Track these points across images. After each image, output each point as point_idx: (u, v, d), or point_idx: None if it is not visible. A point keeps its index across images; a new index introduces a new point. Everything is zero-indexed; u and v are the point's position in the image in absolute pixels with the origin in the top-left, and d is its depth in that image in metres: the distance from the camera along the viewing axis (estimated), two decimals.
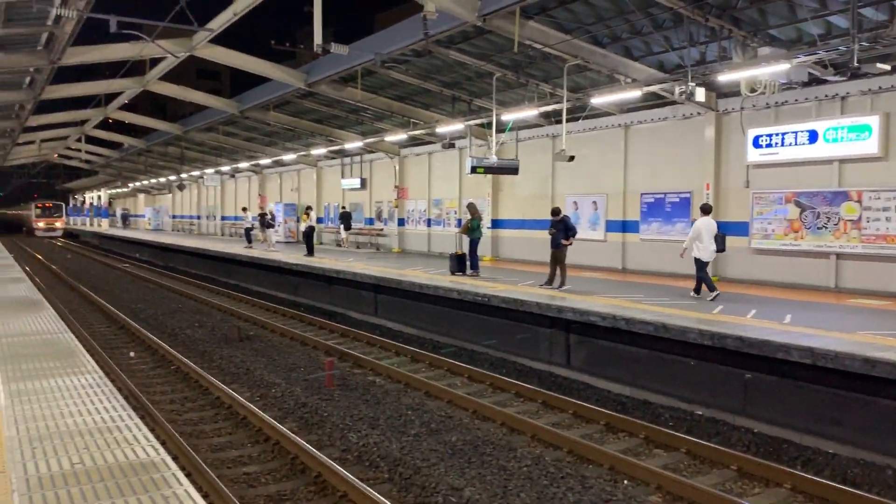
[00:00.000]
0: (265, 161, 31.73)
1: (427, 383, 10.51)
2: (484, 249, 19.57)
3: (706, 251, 12.12)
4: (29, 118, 26.87)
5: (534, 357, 12.52)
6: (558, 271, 14.02)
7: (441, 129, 19.62)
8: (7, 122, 28.00)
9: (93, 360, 7.76)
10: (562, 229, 13.85)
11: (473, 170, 17.16)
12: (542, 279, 14.90)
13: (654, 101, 16.70)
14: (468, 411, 9.46)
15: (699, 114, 15.84)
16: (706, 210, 12.35)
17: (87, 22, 13.41)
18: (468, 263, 16.53)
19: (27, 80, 20.75)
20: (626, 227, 17.97)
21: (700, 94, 13.35)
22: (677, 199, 16.71)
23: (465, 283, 14.79)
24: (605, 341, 11.25)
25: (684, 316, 10.59)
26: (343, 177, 29.70)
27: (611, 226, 18.35)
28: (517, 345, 12.86)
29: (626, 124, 17.83)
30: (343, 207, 29.59)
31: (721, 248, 12.14)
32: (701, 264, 12.26)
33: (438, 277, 16.17)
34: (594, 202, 18.78)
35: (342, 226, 27.34)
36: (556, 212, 14.11)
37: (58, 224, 63.20)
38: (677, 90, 13.06)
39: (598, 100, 15.57)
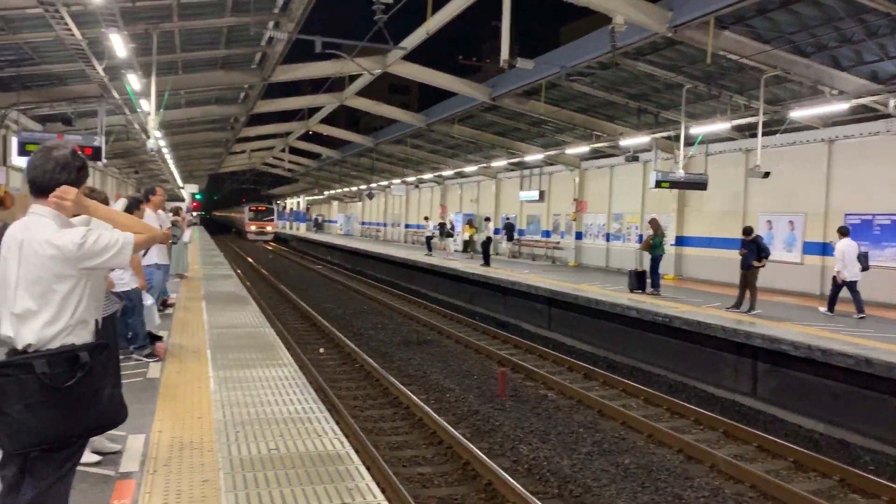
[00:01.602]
0: (447, 172, 32.70)
1: (601, 402, 10.27)
2: (666, 267, 18.84)
3: (852, 272, 12.54)
4: (242, 130, 29.69)
5: (716, 384, 11.83)
6: (747, 294, 13.17)
7: (625, 142, 19.18)
8: (223, 133, 31.13)
9: (288, 354, 8.39)
10: (753, 250, 13.00)
11: (658, 184, 16.60)
12: (728, 302, 14.06)
13: (863, 115, 15.22)
14: (643, 434, 9.13)
15: None
16: (845, 232, 12.84)
17: (294, 43, 14.62)
18: (648, 281, 15.99)
19: (241, 95, 22.97)
20: (826, 249, 16.50)
21: None
22: (888, 222, 15.10)
23: (644, 302, 14.31)
24: (797, 372, 10.39)
25: (890, 350, 9.53)
26: (522, 189, 29.87)
27: (809, 248, 16.94)
28: (698, 369, 12.22)
29: (831, 139, 16.39)
30: (507, 219, 29.83)
31: (865, 266, 12.59)
32: (851, 285, 12.64)
33: (616, 294, 15.78)
34: (790, 222, 17.43)
35: (505, 236, 27.56)
36: (748, 231, 13.28)
37: (269, 227, 62.95)
38: (893, 102, 11.82)
39: (799, 113, 14.47)
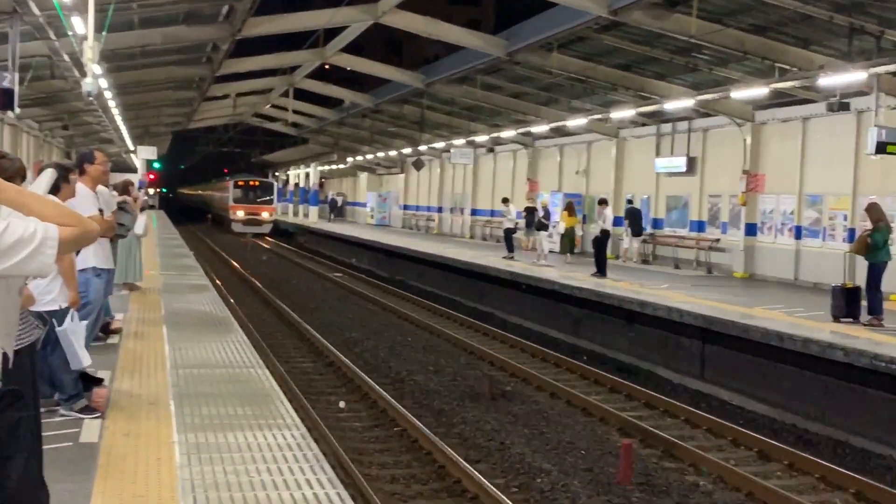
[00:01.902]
0: (539, 128, 32.57)
1: (789, 498, 10.03)
2: (891, 282, 18.32)
3: None
4: (224, 63, 30.21)
5: None
6: None
7: (826, 80, 18.73)
8: (196, 67, 31.77)
9: (292, 410, 8.47)
10: None
11: (882, 148, 16.16)
12: None
13: None
14: None
15: None
16: None
17: None
18: (864, 304, 15.58)
19: (224, 10, 23.32)
20: None
21: None
22: None
23: (858, 338, 13.96)
24: None
25: None
26: (658, 154, 29.53)
27: None
28: None
29: None
30: (629, 202, 29.43)
31: None
32: None
33: (812, 325, 15.44)
34: None
35: (628, 230, 27.34)
36: None
37: (265, 213, 62.38)
38: None
39: None
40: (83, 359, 7.67)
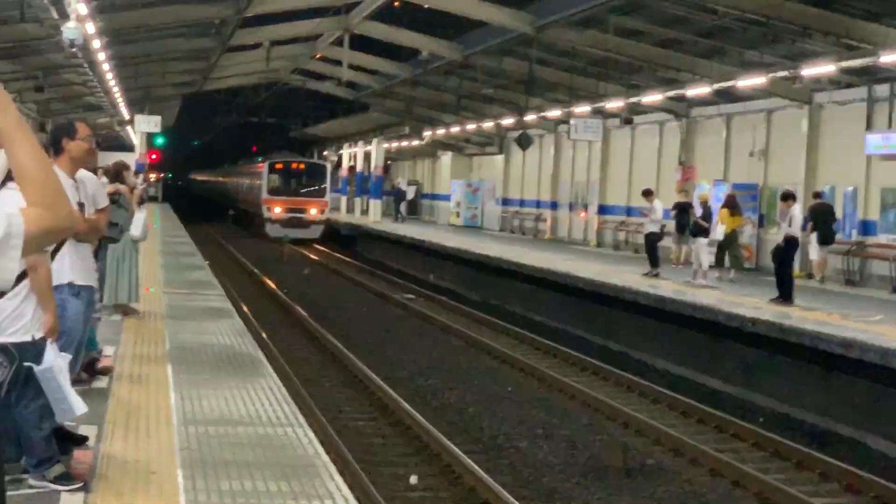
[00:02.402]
0: (697, 91, 32.37)
1: None
2: None
3: None
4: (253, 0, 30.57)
5: None
6: None
7: None
8: (216, 6, 32.13)
9: (344, 486, 8.50)
10: None
11: None
12: None
13: None
14: None
15: None
16: None
17: None
18: None
19: None
20: None
21: None
22: None
23: None
24: None
25: None
26: (870, 128, 29.13)
27: None
28: None
29: None
30: (817, 196, 28.63)
31: None
32: None
33: None
34: None
35: (813, 233, 26.89)
36: None
37: (314, 210, 59.60)
38: None
39: None
40: (75, 405, 7.63)
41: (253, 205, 63.62)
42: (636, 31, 31.54)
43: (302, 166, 61.88)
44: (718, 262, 29.10)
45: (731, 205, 28.22)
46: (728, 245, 28.84)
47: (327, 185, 61.89)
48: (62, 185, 2.78)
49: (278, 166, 60.27)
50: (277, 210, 58.12)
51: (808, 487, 14.41)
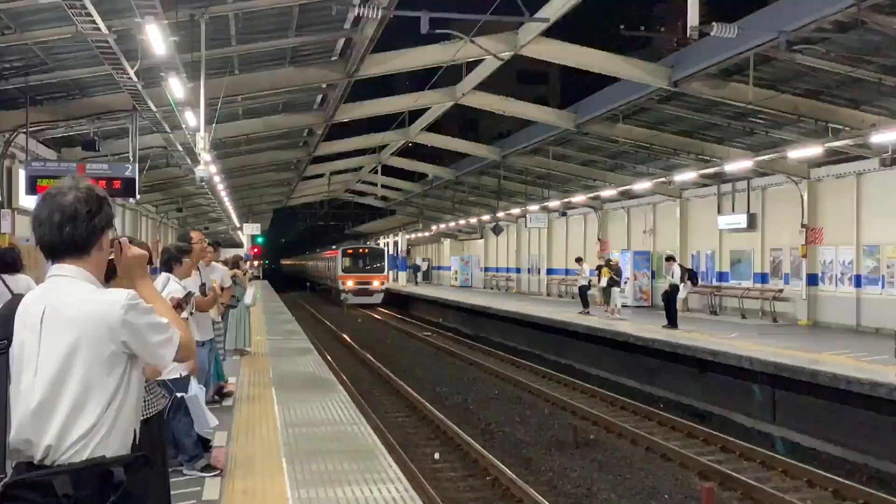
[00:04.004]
0: (608, 192, 32.43)
1: None
2: None
3: None
4: (319, 146, 30.72)
5: None
6: None
7: (878, 137, 18.35)
8: (294, 151, 32.35)
9: (394, 464, 8.38)
10: None
11: None
12: None
13: None
14: None
15: None
16: None
17: (389, 23, 14.99)
18: None
19: (318, 98, 23.83)
20: None
21: None
22: None
23: None
24: None
25: None
26: (720, 212, 29.16)
27: None
28: None
29: None
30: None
31: None
32: None
33: (878, 368, 14.95)
34: None
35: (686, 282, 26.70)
36: None
37: (377, 282, 53.97)
38: None
39: None
40: (210, 420, 7.72)
41: (329, 279, 60.23)
42: (566, 155, 31.62)
43: (365, 250, 57.28)
44: (605, 302, 29.08)
45: (608, 265, 28.15)
46: (606, 290, 28.74)
47: (386, 263, 56.35)
48: (190, 333, 3.11)
49: (349, 251, 56.10)
50: (350, 283, 53.13)
51: (696, 449, 14.33)
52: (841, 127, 20.36)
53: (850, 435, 14.35)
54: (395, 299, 53.67)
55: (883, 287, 22.52)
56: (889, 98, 18.53)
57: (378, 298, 52.83)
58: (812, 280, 25.07)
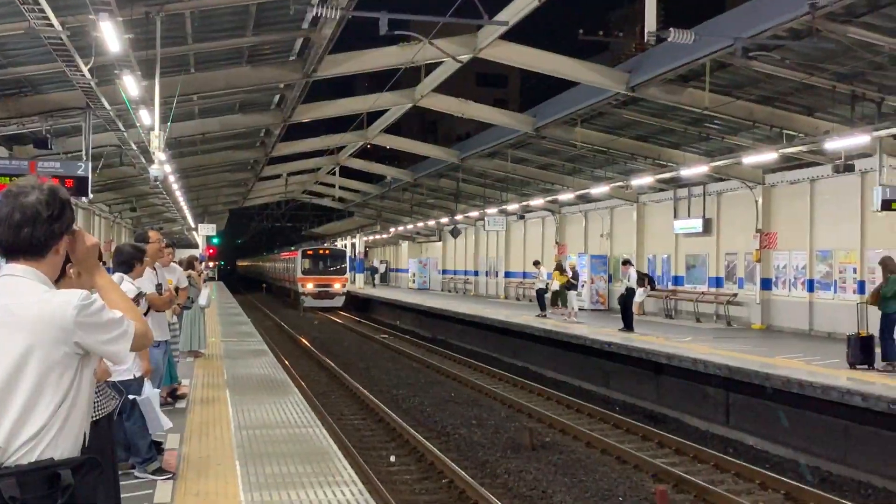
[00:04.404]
0: (565, 196, 32.60)
1: None
2: None
3: None
4: (276, 146, 30.54)
5: None
6: None
7: (832, 144, 18.61)
8: (251, 151, 32.14)
9: (348, 466, 8.37)
10: None
11: (887, 205, 15.97)
12: None
13: None
14: None
15: None
16: None
17: (348, 23, 14.95)
18: (878, 351, 15.31)
19: (275, 98, 23.70)
20: None
21: None
22: None
23: (874, 383, 13.68)
24: None
25: None
26: (676, 217, 29.43)
27: None
28: None
29: None
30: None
31: None
32: None
33: (829, 371, 15.17)
34: None
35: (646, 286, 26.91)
36: None
37: (337, 285, 52.55)
38: None
39: None
40: (164, 422, 7.66)
41: (288, 281, 58.93)
42: (525, 158, 31.72)
43: (326, 251, 55.44)
44: (553, 304, 29.26)
45: (560, 269, 28.25)
46: (560, 293, 28.92)
47: (347, 265, 55.24)
48: (146, 323, 3.09)
49: (309, 252, 54.32)
50: (310, 286, 51.82)
51: (650, 452, 14.43)
52: (795, 133, 20.63)
53: (801, 437, 14.53)
54: (352, 302, 53.46)
55: (835, 292, 22.85)
56: (842, 105, 18.79)
57: (339, 301, 52.00)
58: (766, 284, 25.37)
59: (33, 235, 2.92)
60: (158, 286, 9.08)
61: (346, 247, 63.99)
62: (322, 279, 52.01)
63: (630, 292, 23.68)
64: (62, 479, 2.76)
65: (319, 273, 52.39)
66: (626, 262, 24.92)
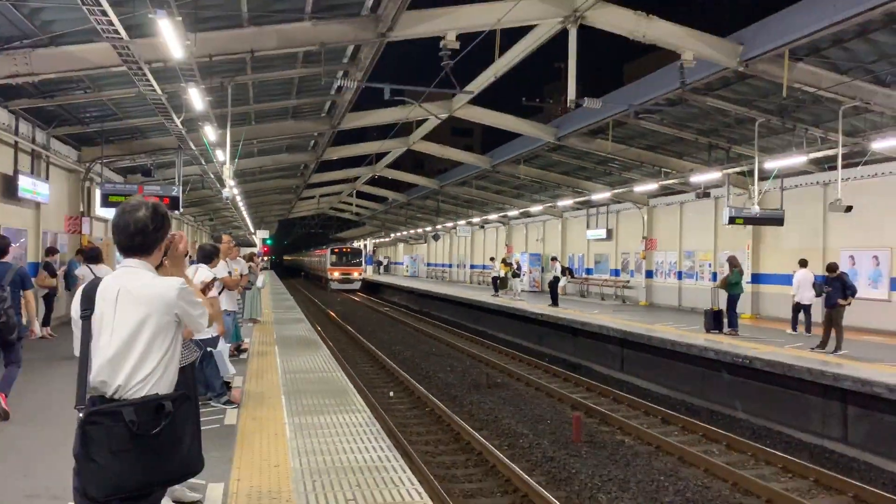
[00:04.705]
0: (513, 213, 32.61)
1: (681, 448, 9.85)
2: (743, 306, 18.19)
3: (805, 297, 15.16)
4: (311, 176, 30.39)
5: (803, 428, 11.22)
6: (833, 333, 12.53)
7: (695, 179, 18.75)
8: (294, 179, 31.92)
9: (360, 399, 8.36)
10: (839, 287, 12.41)
11: (732, 220, 16.12)
12: (812, 341, 13.42)
13: None
14: (728, 483, 8.68)
15: None
16: (804, 264, 15.38)
17: (362, 91, 14.91)
18: (725, 321, 15.43)
19: (311, 143, 23.56)
20: None
21: None
22: None
23: (722, 343, 13.79)
24: (893, 416, 9.74)
25: None
26: (588, 227, 29.55)
27: None
28: (783, 413, 11.62)
29: None
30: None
31: (819, 293, 13.88)
32: (800, 308, 15.40)
33: (691, 334, 15.28)
34: (875, 257, 16.61)
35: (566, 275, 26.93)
36: (832, 267, 12.71)
37: (356, 274, 51.16)
38: None
39: (881, 144, 13.85)
40: (230, 368, 7.66)
41: (320, 271, 57.17)
42: (485, 186, 31.66)
43: (348, 249, 53.21)
44: (500, 288, 29.10)
45: (505, 262, 28.36)
46: (504, 279, 28.84)
47: (363, 259, 53.54)
48: (217, 311, 3.23)
49: (336, 250, 52.60)
50: (336, 274, 50.62)
51: (569, 389, 14.43)
52: (670, 171, 20.76)
53: (673, 380, 14.65)
54: (364, 285, 53.30)
55: (696, 280, 23.05)
56: (702, 152, 18.94)
57: (357, 285, 50.73)
58: (649, 274, 25.53)
59: (144, 241, 3.00)
60: (229, 273, 9.07)
61: (362, 247, 63.06)
62: (345, 269, 50.85)
63: (556, 279, 23.77)
64: (165, 408, 2.81)
65: (343, 265, 51.14)
66: (554, 259, 25.04)
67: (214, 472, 5.21)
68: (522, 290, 28.34)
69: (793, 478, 9.02)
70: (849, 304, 12.49)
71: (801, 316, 15.53)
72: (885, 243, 16.36)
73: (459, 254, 47.29)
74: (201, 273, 7.31)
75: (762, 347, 13.08)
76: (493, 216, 35.30)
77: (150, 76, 9.66)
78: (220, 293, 7.94)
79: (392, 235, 57.49)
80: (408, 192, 41.34)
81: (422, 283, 43.38)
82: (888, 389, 9.59)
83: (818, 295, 14.06)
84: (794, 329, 15.60)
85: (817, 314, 14.87)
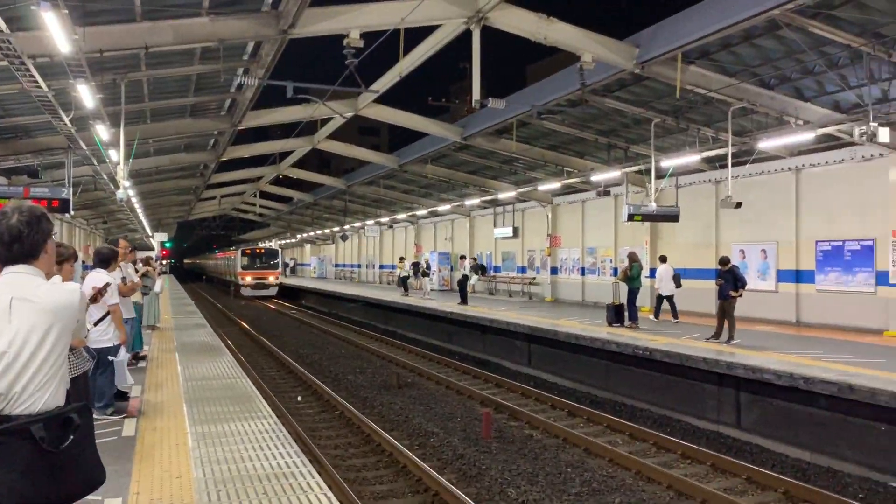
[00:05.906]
0: (421, 212, 32.74)
1: (587, 440, 10.16)
2: (642, 300, 18.94)
3: (668, 287, 16.79)
4: (211, 176, 29.52)
5: (700, 416, 11.80)
6: (726, 324, 13.24)
7: (596, 177, 19.37)
8: (193, 180, 30.91)
9: (266, 405, 8.19)
10: (730, 280, 13.11)
11: (630, 217, 16.74)
12: (706, 332, 14.13)
13: (828, 144, 15.61)
14: (631, 471, 9.03)
15: (881, 155, 14.58)
16: (664, 259, 17.40)
17: (264, 88, 14.61)
18: (626, 314, 16.01)
19: (211, 142, 22.87)
20: (799, 276, 16.71)
21: (884, 134, 12.27)
22: (858, 247, 15.36)
23: (623, 336, 14.31)
24: (781, 401, 10.40)
25: (873, 376, 9.60)
26: (495, 226, 30.01)
27: (782, 275, 17.14)
28: (681, 402, 12.19)
29: (798, 168, 16.74)
30: (474, 259, 28.78)
31: (678, 284, 16.59)
32: (669, 298, 16.96)
33: (594, 328, 15.77)
34: (763, 250, 17.66)
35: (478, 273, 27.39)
36: (724, 261, 13.41)
37: (271, 278, 46.18)
38: (857, 131, 12.09)
39: (766, 143, 14.76)
40: (128, 378, 7.37)
41: (229, 275, 51.96)
42: (393, 186, 31.65)
43: (261, 250, 48.33)
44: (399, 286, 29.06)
45: (401, 260, 28.62)
46: (405, 280, 28.92)
47: (279, 260, 48.34)
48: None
49: (248, 251, 47.58)
50: (248, 279, 45.82)
51: (479, 386, 14.56)
52: (572, 170, 21.35)
53: (578, 373, 15.06)
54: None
55: (598, 275, 23.81)
56: (602, 151, 19.58)
57: (273, 291, 46.15)
58: (554, 271, 26.18)
59: (23, 248, 2.78)
60: (123, 279, 8.71)
61: (277, 246, 57.90)
62: (259, 273, 46.12)
63: (465, 277, 24.02)
64: (74, 421, 2.69)
65: (256, 268, 46.31)
66: (463, 257, 25.30)
67: (111, 486, 4.99)
68: (432, 290, 28.48)
69: (691, 463, 9.47)
70: (740, 295, 13.22)
71: (666, 304, 17.18)
72: (771, 237, 17.41)
73: (368, 254, 47.04)
74: (95, 277, 7.03)
75: (661, 339, 13.66)
76: (401, 216, 35.32)
77: (34, 71, 9.15)
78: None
79: (298, 236, 56.55)
80: (314, 192, 40.78)
81: (330, 284, 42.91)
82: (776, 376, 10.22)
83: (678, 286, 16.51)
84: (657, 317, 17.20)
85: (682, 303, 17.22)
